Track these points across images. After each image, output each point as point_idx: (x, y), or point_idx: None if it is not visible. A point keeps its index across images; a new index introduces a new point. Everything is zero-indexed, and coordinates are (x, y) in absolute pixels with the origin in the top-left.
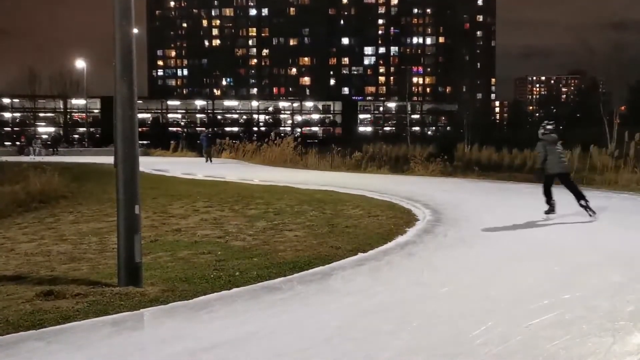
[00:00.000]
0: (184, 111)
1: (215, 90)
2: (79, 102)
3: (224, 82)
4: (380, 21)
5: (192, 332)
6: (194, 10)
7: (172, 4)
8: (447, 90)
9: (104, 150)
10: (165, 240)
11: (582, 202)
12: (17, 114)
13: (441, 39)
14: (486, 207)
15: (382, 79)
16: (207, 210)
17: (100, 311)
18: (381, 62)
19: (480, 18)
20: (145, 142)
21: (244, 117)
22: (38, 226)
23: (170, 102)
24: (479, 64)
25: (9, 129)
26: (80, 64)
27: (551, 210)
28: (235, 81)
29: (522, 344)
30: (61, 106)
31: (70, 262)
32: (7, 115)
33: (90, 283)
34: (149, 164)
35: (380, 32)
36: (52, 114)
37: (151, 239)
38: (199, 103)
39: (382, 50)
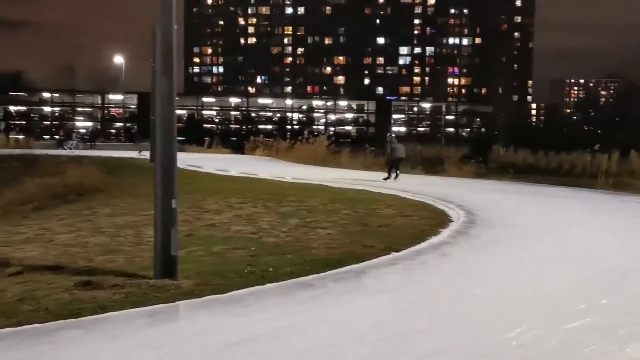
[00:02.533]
0: (218, 108)
1: (249, 88)
2: (117, 97)
3: (258, 80)
4: (416, 21)
5: (225, 325)
6: (230, 8)
7: (209, 1)
8: (483, 91)
9: (139, 145)
10: (200, 234)
11: (388, 176)
12: (57, 108)
13: (477, 40)
14: (521, 209)
15: (416, 79)
16: (241, 207)
17: (137, 302)
18: (416, 62)
19: (518, 19)
20: (180, 138)
21: (278, 115)
22: (75, 218)
23: (205, 99)
24: (515, 66)
25: (49, 122)
26: (118, 59)
27: (388, 178)
28: (270, 79)
29: (558, 347)
30: (99, 101)
31: (107, 254)
32: (47, 109)
33: (127, 275)
34: (183, 159)
35: (416, 32)
36: (90, 109)
37: (186, 233)
38: (234, 100)
39: (417, 50)
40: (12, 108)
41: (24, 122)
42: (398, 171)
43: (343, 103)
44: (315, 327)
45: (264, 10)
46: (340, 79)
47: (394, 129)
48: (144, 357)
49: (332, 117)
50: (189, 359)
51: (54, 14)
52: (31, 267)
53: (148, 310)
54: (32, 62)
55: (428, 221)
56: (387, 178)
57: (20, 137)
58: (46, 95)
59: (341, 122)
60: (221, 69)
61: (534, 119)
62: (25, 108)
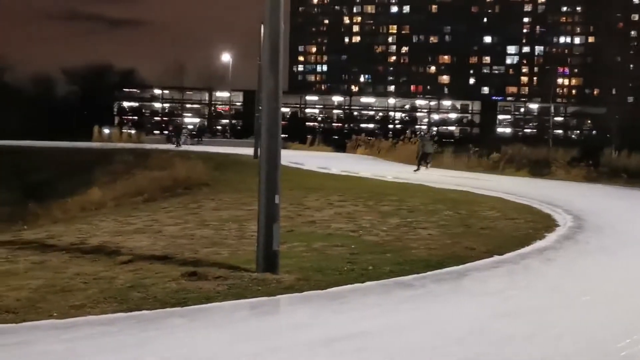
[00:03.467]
0: (321, 106)
1: (353, 87)
2: (223, 94)
3: (362, 79)
4: (526, 19)
5: (325, 321)
6: (335, 7)
7: (315, 0)
8: (595, 92)
9: (244, 142)
10: (301, 231)
11: (417, 168)
12: (166, 105)
13: (590, 39)
14: (633, 215)
15: (524, 79)
16: (341, 204)
17: (239, 294)
18: (524, 61)
19: (635, 17)
20: (284, 135)
21: (380, 114)
22: (182, 211)
23: (308, 97)
24: (631, 66)
25: (159, 118)
26: (226, 57)
27: (417, 170)
28: (374, 78)
29: None
30: (206, 98)
31: (212, 246)
32: (157, 105)
33: (230, 267)
34: (286, 156)
35: (524, 30)
36: (198, 105)
37: (287, 229)
38: (336, 99)
39: (526, 49)
40: (125, 104)
41: (135, 118)
42: (429, 164)
43: (447, 103)
44: (415, 328)
45: (369, 9)
46: (445, 79)
47: (499, 129)
48: (244, 347)
49: (436, 116)
50: (289, 351)
51: (164, 14)
52: (141, 256)
53: (250, 303)
54: (144, 59)
55: (533, 225)
56: (417, 170)
57: (132, 131)
58: (157, 91)
59: (444, 122)
60: (325, 68)
61: None
62: (137, 104)
